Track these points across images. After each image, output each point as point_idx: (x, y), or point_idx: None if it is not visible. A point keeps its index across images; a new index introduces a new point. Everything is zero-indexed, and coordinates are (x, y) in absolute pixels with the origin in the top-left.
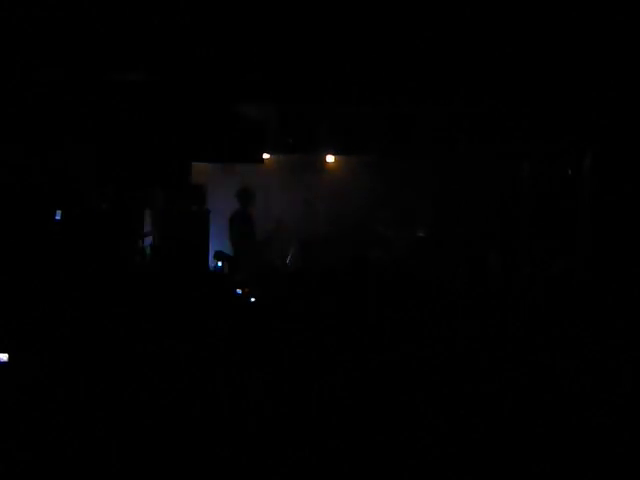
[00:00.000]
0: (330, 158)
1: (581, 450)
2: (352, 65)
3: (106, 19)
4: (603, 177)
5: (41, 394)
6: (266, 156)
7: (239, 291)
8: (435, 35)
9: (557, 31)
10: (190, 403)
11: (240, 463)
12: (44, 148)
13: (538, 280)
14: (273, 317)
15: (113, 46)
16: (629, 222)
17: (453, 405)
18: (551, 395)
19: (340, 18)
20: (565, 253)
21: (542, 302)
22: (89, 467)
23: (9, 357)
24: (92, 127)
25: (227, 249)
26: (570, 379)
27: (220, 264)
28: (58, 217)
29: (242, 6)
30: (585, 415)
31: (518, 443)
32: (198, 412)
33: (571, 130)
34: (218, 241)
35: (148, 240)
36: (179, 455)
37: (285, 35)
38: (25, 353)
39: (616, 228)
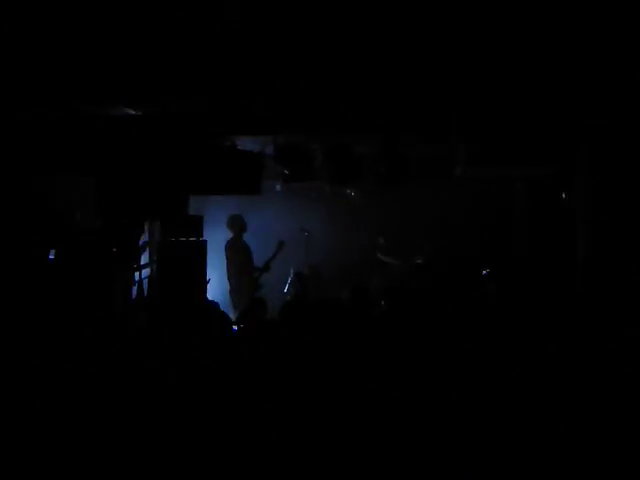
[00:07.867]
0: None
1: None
2: (347, 97)
3: (102, 54)
4: (598, 197)
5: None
6: None
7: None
8: (426, 66)
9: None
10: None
11: None
12: (40, 182)
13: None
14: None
15: (111, 82)
16: (626, 243)
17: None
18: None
19: (334, 49)
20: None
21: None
22: None
23: None
24: (89, 161)
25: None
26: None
27: None
28: (52, 256)
29: (239, 41)
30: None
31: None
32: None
33: (563, 153)
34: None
35: (146, 272)
36: None
37: (281, 66)
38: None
39: (614, 248)
